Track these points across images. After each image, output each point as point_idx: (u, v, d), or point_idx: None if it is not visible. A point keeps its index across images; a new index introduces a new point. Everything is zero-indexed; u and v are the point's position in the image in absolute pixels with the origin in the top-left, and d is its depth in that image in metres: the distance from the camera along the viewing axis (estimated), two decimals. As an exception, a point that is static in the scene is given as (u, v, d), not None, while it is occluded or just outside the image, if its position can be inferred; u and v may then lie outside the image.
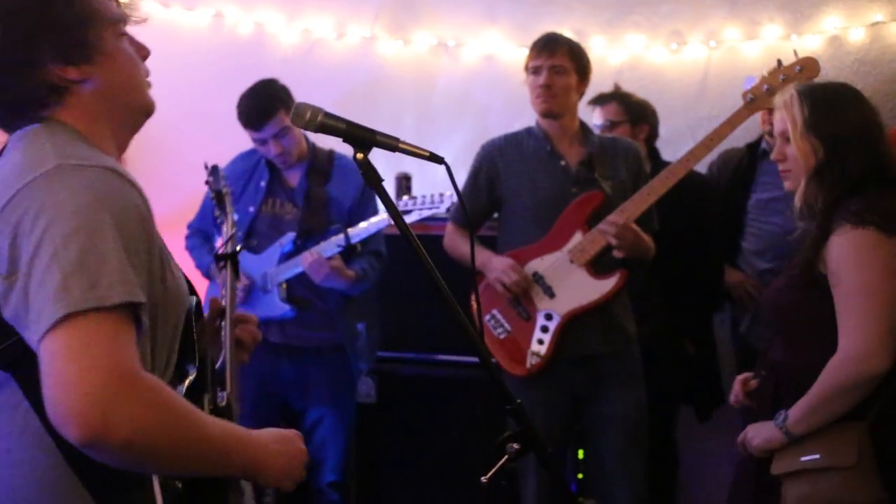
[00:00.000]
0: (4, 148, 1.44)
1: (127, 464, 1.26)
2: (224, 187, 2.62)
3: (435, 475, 3.97)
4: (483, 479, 1.62)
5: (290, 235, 3.44)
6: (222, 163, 3.67)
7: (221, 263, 2.26)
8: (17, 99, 1.41)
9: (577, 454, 3.77)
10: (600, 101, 3.83)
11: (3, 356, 1.29)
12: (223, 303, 1.98)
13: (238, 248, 2.31)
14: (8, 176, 1.33)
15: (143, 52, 1.56)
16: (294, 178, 3.58)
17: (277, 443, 1.45)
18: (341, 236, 3.36)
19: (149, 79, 1.56)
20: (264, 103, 3.39)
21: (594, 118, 3.79)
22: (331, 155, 3.62)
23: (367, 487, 3.98)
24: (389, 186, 4.09)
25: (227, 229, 2.43)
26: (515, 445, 1.62)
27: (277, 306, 3.44)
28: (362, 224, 3.41)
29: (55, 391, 1.18)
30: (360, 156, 1.58)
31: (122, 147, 1.53)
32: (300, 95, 3.65)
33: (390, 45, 4.75)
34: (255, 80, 3.55)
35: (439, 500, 3.98)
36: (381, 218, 3.41)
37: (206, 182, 2.67)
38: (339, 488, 3.57)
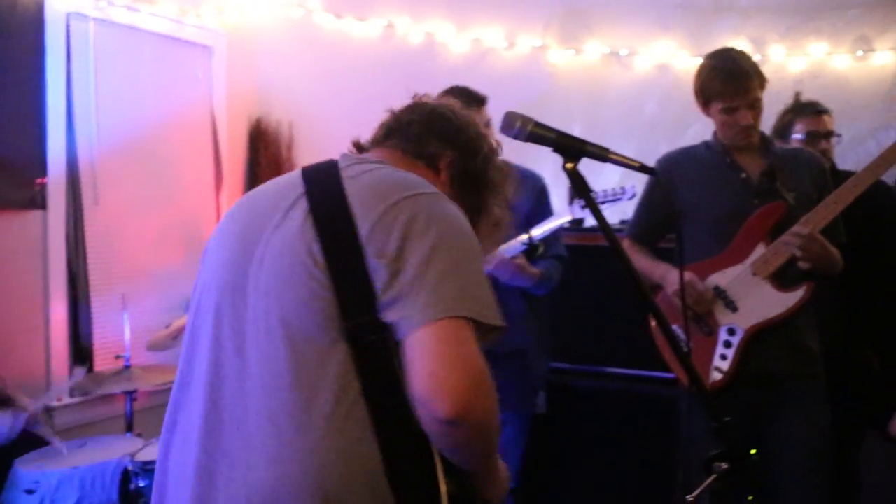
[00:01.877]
0: (331, 161, 1.66)
1: (457, 443, 1.40)
2: None
3: (602, 488, 3.92)
4: (689, 497, 1.56)
5: None
6: None
7: None
8: (417, 141, 1.78)
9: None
10: (813, 111, 3.68)
11: (354, 329, 1.42)
12: None
13: None
14: (382, 184, 1.54)
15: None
16: None
17: (502, 469, 1.69)
18: (524, 236, 3.36)
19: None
20: (476, 94, 3.46)
21: (796, 130, 3.66)
22: (505, 165, 3.62)
23: (534, 498, 3.97)
24: (563, 196, 4.07)
25: None
26: (723, 465, 1.55)
27: None
28: (544, 222, 3.42)
29: (436, 369, 1.35)
30: (569, 165, 1.57)
31: None
32: (471, 105, 3.67)
33: (561, 55, 4.74)
34: (425, 90, 3.57)
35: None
36: (563, 218, 3.41)
37: None
38: (515, 495, 3.57)
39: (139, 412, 3.75)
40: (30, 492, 2.95)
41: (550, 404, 3.88)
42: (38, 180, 4.05)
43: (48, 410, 4.03)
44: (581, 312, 3.88)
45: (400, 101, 3.58)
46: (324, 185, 1.56)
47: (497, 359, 3.48)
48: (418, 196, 1.51)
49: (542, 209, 3.54)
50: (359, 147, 1.84)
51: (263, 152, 5.25)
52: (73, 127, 4.20)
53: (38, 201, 4.05)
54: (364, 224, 1.46)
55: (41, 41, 4.03)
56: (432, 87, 3.61)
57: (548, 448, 3.96)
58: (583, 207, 3.34)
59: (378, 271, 1.42)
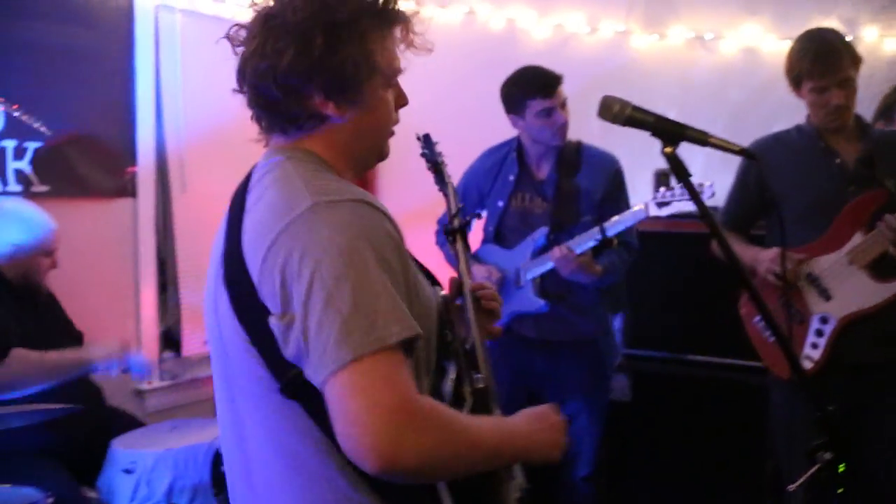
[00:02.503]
0: (248, 181, 1.53)
1: (418, 482, 1.36)
2: (440, 157, 2.48)
3: (685, 477, 3.88)
4: (790, 487, 1.54)
5: (543, 230, 3.41)
6: (472, 157, 3.73)
7: (451, 238, 2.17)
8: (284, 114, 1.51)
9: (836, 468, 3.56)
10: None
11: (288, 387, 1.35)
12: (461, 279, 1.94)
13: (467, 220, 2.21)
14: (265, 216, 1.39)
15: (403, 102, 1.63)
16: (543, 171, 3.54)
17: (536, 421, 1.52)
18: (597, 230, 3.27)
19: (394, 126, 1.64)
20: (554, 72, 3.42)
21: None
22: (579, 146, 3.55)
23: (616, 485, 3.94)
24: (647, 183, 4.02)
25: (451, 203, 2.30)
26: (827, 455, 1.52)
27: (531, 301, 3.44)
28: (617, 217, 3.32)
29: (347, 429, 1.25)
30: (668, 150, 1.55)
31: (352, 180, 1.58)
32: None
33: (644, 40, 4.69)
34: (506, 76, 3.55)
35: (687, 502, 3.88)
36: (639, 209, 3.30)
37: (422, 154, 2.51)
38: (592, 482, 3.55)
39: (228, 396, 3.82)
40: (127, 471, 3.04)
41: (635, 392, 3.85)
42: (129, 169, 4.15)
43: (139, 393, 4.14)
44: (665, 300, 3.83)
45: (481, 88, 3.59)
46: (231, 226, 1.46)
47: (565, 347, 3.47)
48: (293, 224, 1.34)
49: (616, 195, 3.47)
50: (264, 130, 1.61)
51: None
52: (161, 116, 4.28)
53: (128, 189, 4.15)
54: (255, 276, 1.36)
55: (130, 33, 4.12)
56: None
57: (631, 436, 3.94)
58: (660, 205, 3.23)
59: (275, 329, 1.34)
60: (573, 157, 3.51)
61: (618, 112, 1.58)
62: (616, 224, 3.27)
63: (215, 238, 1.55)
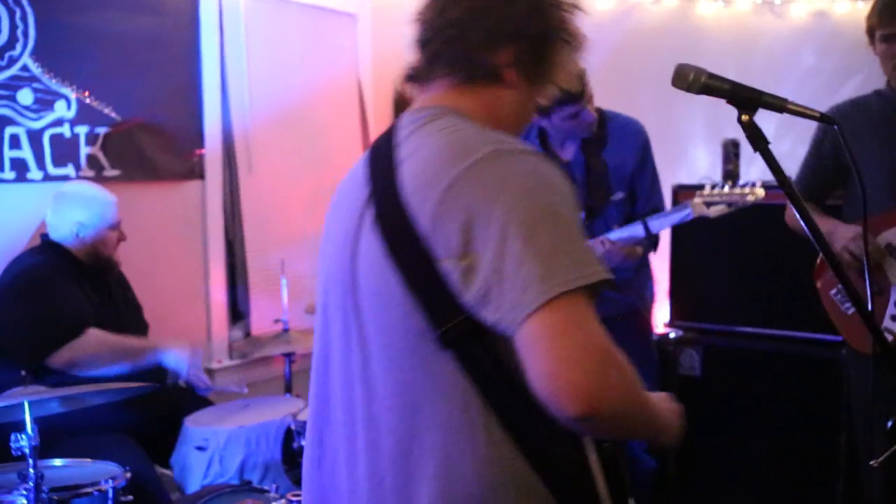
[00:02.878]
0: (391, 135, 1.48)
1: (601, 432, 1.33)
2: None
3: (757, 452, 3.83)
4: (873, 463, 1.50)
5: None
6: None
7: None
8: (464, 60, 1.47)
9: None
10: None
11: (447, 335, 1.31)
12: None
13: None
14: (435, 162, 1.36)
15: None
16: (568, 151, 3.40)
17: (665, 402, 1.51)
18: (640, 227, 3.16)
19: None
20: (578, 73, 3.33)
21: None
22: (602, 117, 3.38)
23: (685, 459, 3.90)
24: (716, 153, 3.95)
25: None
26: (911, 430, 1.48)
27: None
28: (662, 216, 3.21)
29: (552, 367, 1.21)
30: (745, 118, 1.51)
31: None
32: (616, 60, 3.59)
33: (709, 6, 4.60)
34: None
35: (758, 477, 3.83)
36: (686, 211, 3.18)
37: None
38: (656, 454, 3.51)
39: (297, 374, 3.86)
40: (200, 448, 3.09)
41: (705, 367, 3.80)
42: (197, 151, 4.20)
43: (209, 372, 4.21)
44: (738, 273, 3.76)
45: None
46: (383, 182, 1.41)
47: (611, 322, 3.42)
48: (473, 167, 1.31)
49: (644, 168, 3.37)
50: (413, 77, 1.56)
51: (408, 119, 5.28)
52: (227, 99, 4.33)
53: (196, 171, 4.21)
54: (423, 222, 1.31)
55: (196, 19, 4.15)
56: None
57: (703, 411, 3.88)
58: (707, 205, 3.15)
59: (452, 274, 1.28)
60: (598, 132, 3.37)
61: (693, 80, 1.54)
62: (660, 222, 3.19)
63: (339, 202, 1.54)
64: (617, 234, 3.19)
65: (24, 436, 2.28)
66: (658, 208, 3.37)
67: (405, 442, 1.35)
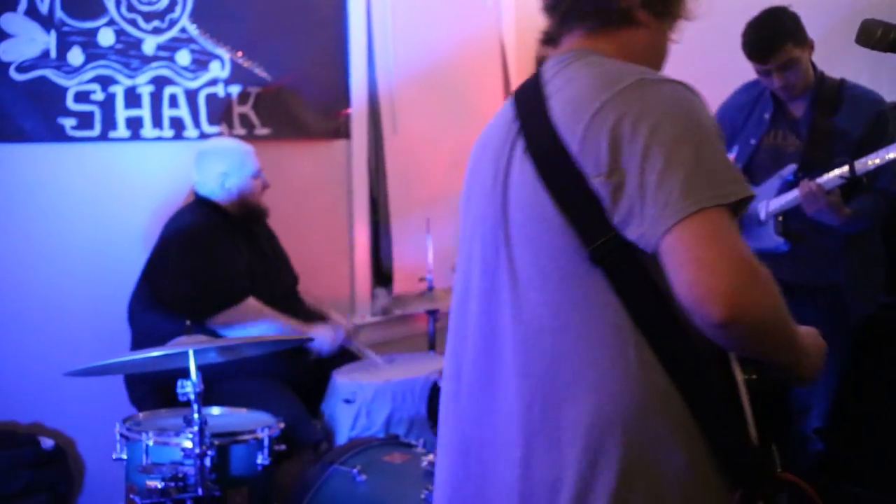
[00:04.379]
0: (537, 78, 1.52)
1: (742, 344, 1.33)
2: None
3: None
4: None
5: (792, 167, 3.23)
6: (724, 95, 3.59)
7: None
8: (596, 8, 1.52)
9: None
10: None
11: (598, 251, 1.35)
12: None
13: None
14: (583, 91, 1.40)
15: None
16: (799, 108, 3.35)
17: (809, 337, 1.49)
18: (846, 168, 3.07)
19: None
20: (770, 35, 3.21)
21: None
22: (841, 84, 3.32)
23: (849, 441, 3.72)
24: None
25: None
26: None
27: (771, 239, 3.26)
28: (873, 156, 3.08)
29: (696, 275, 1.26)
30: None
31: None
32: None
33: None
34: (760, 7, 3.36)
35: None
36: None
37: None
38: (825, 436, 3.40)
39: (441, 331, 3.90)
40: (348, 401, 3.17)
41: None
42: (343, 111, 4.27)
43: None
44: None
45: (734, 21, 3.41)
46: (532, 113, 1.46)
47: (802, 292, 3.30)
48: (621, 93, 1.36)
49: (876, 138, 3.21)
50: (549, 40, 1.59)
51: (551, 78, 5.23)
52: (373, 60, 4.38)
53: (342, 131, 4.28)
54: (573, 143, 1.36)
55: (343, -21, 4.22)
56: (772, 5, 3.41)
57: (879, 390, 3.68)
58: None
59: (602, 191, 1.33)
60: (833, 96, 3.28)
61: (881, 37, 1.46)
62: (868, 163, 3.04)
63: (483, 146, 1.60)
64: (824, 178, 3.09)
65: (189, 382, 2.38)
66: (886, 189, 3.20)
67: (557, 362, 1.39)
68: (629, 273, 1.34)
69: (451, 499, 1.55)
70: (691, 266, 1.26)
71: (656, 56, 1.58)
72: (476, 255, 1.53)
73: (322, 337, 3.36)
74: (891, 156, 2.97)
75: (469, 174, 1.63)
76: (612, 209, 1.33)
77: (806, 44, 3.18)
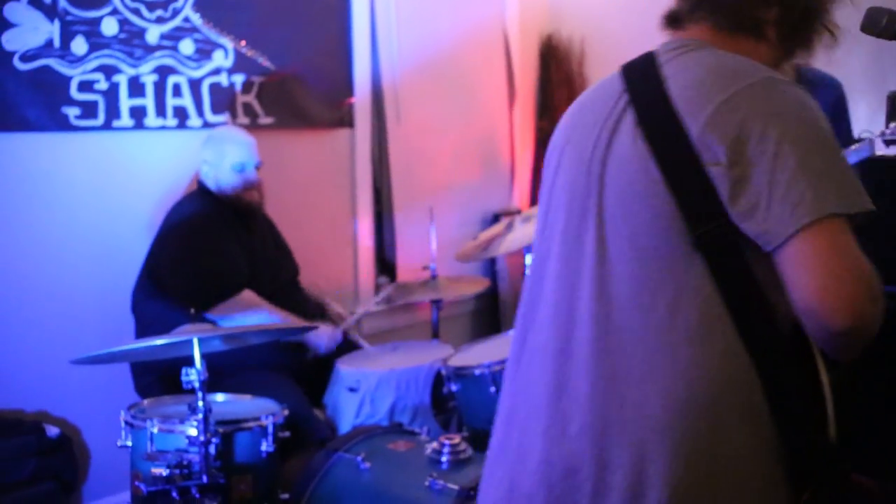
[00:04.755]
0: (652, 59, 1.51)
1: (850, 352, 1.34)
2: None
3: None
4: None
5: None
6: None
7: None
8: (733, 8, 1.53)
9: None
10: None
11: (704, 237, 1.36)
12: None
13: None
14: (708, 78, 1.41)
15: None
16: None
17: None
18: None
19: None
20: None
21: None
22: (797, 70, 3.30)
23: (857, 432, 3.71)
24: (878, 107, 3.75)
25: None
26: None
27: None
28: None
29: (826, 282, 1.27)
30: None
31: None
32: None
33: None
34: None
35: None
36: (862, 146, 2.99)
37: None
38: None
39: (444, 320, 3.92)
40: (352, 390, 3.18)
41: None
42: (347, 100, 4.28)
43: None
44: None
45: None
46: (646, 89, 1.45)
47: None
48: (750, 87, 1.36)
49: (840, 119, 3.21)
50: (673, 20, 1.59)
51: (555, 69, 5.23)
52: (376, 49, 4.38)
53: (346, 121, 4.29)
54: (694, 128, 1.35)
55: (346, -30, 4.22)
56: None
57: None
58: (888, 143, 2.96)
59: (718, 180, 1.33)
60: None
61: (886, 24, 1.47)
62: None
63: (581, 114, 1.59)
64: None
65: (193, 370, 2.39)
66: None
67: (636, 341, 1.38)
68: (731, 262, 1.35)
69: (495, 461, 1.56)
70: (821, 272, 1.28)
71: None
72: (559, 220, 1.54)
73: (317, 335, 3.35)
74: (855, 151, 2.98)
75: (559, 140, 1.63)
76: (731, 200, 1.33)
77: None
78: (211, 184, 3.39)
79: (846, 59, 3.58)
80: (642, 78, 1.48)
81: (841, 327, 1.26)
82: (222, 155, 3.39)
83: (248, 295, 3.23)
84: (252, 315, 3.19)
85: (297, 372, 3.36)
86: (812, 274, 1.27)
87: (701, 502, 1.33)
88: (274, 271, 3.49)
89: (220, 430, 2.53)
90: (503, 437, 1.55)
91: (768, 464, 1.35)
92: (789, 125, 1.32)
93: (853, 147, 3.03)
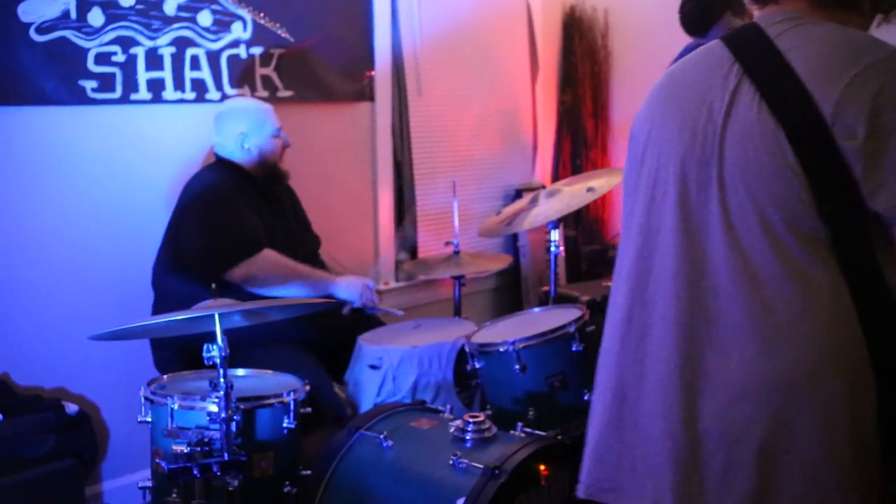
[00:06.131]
0: (756, 28, 1.50)
1: None
2: None
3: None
4: None
5: None
6: None
7: None
8: None
9: None
10: None
11: (834, 210, 1.37)
12: None
13: None
14: (834, 52, 1.41)
15: None
16: None
17: None
18: None
19: None
20: (708, 6, 3.10)
21: None
22: None
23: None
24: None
25: None
26: None
27: None
28: None
29: None
30: None
31: None
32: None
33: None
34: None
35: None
36: None
37: None
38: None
39: (466, 297, 3.87)
40: (374, 367, 3.14)
41: None
42: (367, 73, 4.21)
43: (376, 293, 4.27)
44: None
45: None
46: (764, 62, 1.45)
47: None
48: (879, 63, 1.37)
49: None
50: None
51: (578, 41, 5.15)
52: (397, 21, 4.31)
53: (367, 93, 4.22)
54: (826, 103, 1.36)
55: (367, -61, 4.14)
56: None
57: None
58: None
59: (852, 155, 1.34)
60: None
61: None
62: None
63: (684, 83, 1.57)
64: None
65: (215, 346, 2.35)
66: None
67: (768, 311, 1.40)
68: (856, 236, 1.36)
69: (601, 437, 1.59)
70: None
71: None
72: (669, 195, 1.52)
73: (348, 286, 3.32)
74: None
75: (653, 112, 1.60)
76: (863, 175, 1.34)
77: (745, 13, 3.05)
78: (245, 155, 3.35)
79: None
80: (756, 50, 1.48)
81: None
82: (261, 123, 3.37)
83: (269, 254, 3.18)
84: (280, 278, 3.16)
85: (320, 345, 3.33)
86: None
87: (850, 453, 1.37)
88: (296, 243, 3.44)
89: (242, 406, 2.49)
90: (617, 414, 1.57)
91: (872, 442, 1.38)
92: None
93: None
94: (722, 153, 1.45)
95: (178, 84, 3.54)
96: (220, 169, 3.36)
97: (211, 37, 3.63)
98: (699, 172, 1.48)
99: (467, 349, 3.07)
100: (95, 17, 3.29)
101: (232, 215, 3.21)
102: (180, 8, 3.52)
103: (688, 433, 1.44)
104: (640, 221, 1.58)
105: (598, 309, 3.33)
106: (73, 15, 3.23)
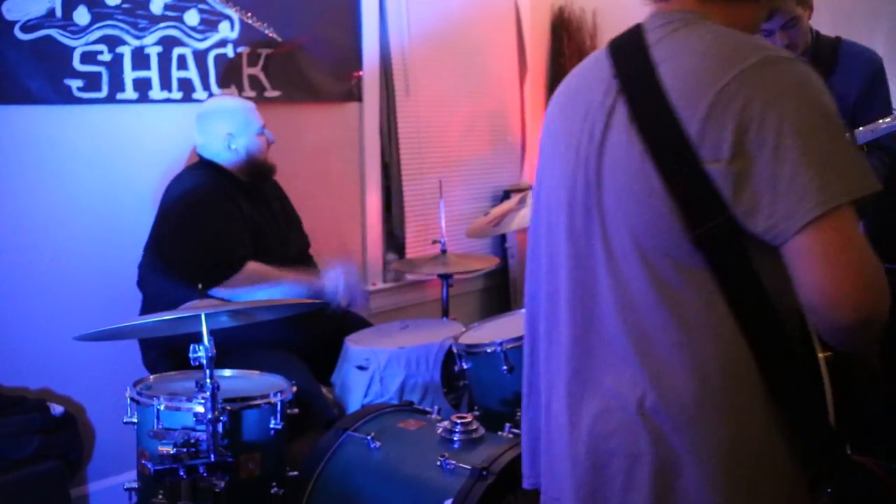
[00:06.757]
0: (638, 38, 1.45)
1: (856, 344, 1.32)
2: None
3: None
4: None
5: None
6: None
7: None
8: None
9: None
10: None
11: (705, 234, 1.32)
12: None
13: None
14: (703, 63, 1.34)
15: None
16: None
17: None
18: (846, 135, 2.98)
19: None
20: None
21: None
22: (836, 43, 3.26)
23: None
24: None
25: None
26: None
27: None
28: (869, 126, 3.01)
29: (833, 278, 1.25)
30: None
31: None
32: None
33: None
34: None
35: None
36: (892, 121, 2.98)
37: None
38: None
39: (454, 297, 3.86)
40: (361, 368, 3.13)
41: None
42: (355, 73, 4.20)
43: (364, 294, 4.26)
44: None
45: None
46: (637, 78, 1.39)
47: None
48: (743, 74, 1.29)
49: (871, 95, 3.16)
50: None
51: (567, 42, 5.16)
52: (385, 21, 4.30)
53: (354, 93, 4.22)
54: (691, 123, 1.30)
55: (354, -61, 4.13)
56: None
57: None
58: None
59: (720, 179, 1.28)
60: (828, 57, 3.21)
61: None
62: (865, 133, 2.99)
63: (570, 98, 1.54)
64: None
65: (201, 347, 2.34)
66: (886, 146, 3.16)
67: (647, 339, 1.37)
68: (732, 257, 1.32)
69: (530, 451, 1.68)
70: (826, 268, 1.25)
71: (753, 31, 1.52)
72: (561, 217, 1.49)
73: (331, 279, 3.30)
74: (886, 125, 2.93)
75: (550, 130, 1.58)
76: (733, 197, 1.28)
77: (807, 3, 3.11)
78: (232, 156, 3.33)
79: (869, 37, 3.51)
80: (632, 63, 1.42)
81: (849, 322, 1.24)
82: (247, 123, 3.35)
83: (252, 267, 3.16)
84: (264, 288, 3.14)
85: (307, 348, 3.31)
86: (819, 270, 1.25)
87: (731, 482, 1.34)
88: (284, 242, 3.42)
89: (228, 407, 2.48)
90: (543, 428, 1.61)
91: (783, 455, 1.36)
92: (788, 110, 1.26)
93: (885, 121, 2.97)
94: (600, 178, 1.42)
95: (165, 84, 3.53)
96: (203, 171, 3.33)
97: (198, 36, 3.61)
98: (584, 197, 1.45)
99: (455, 350, 3.07)
100: (81, 15, 3.27)
101: (213, 227, 3.17)
102: (167, 7, 3.50)
103: (587, 448, 1.44)
104: (545, 241, 1.56)
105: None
106: (59, 13, 3.21)
